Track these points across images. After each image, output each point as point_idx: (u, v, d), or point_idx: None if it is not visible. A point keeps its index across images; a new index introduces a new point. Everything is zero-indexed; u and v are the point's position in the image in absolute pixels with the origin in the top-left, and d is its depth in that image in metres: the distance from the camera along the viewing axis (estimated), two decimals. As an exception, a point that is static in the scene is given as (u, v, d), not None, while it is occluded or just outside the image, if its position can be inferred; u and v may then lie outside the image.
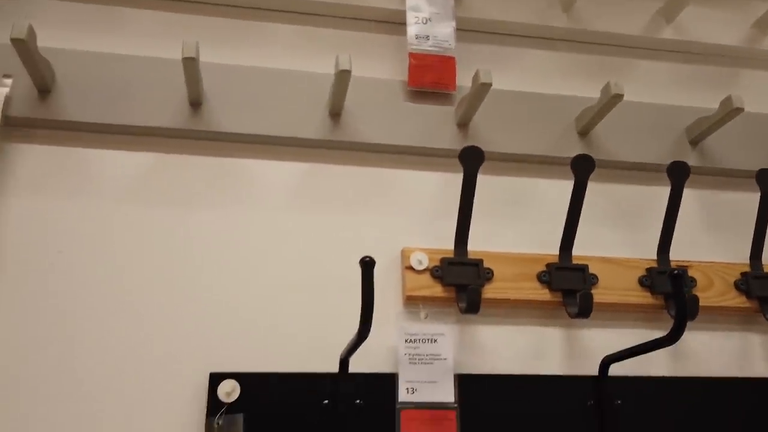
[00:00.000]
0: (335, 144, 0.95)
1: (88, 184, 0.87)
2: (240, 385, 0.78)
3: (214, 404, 0.77)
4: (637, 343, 0.92)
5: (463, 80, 0.98)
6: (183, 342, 0.81)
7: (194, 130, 0.90)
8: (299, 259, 0.89)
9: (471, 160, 0.85)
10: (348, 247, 0.90)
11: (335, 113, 0.94)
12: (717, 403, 0.90)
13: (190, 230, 0.87)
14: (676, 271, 0.72)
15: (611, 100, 0.93)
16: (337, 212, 0.93)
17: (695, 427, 0.88)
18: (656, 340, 0.78)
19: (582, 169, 0.89)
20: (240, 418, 0.73)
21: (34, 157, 0.87)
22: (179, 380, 0.79)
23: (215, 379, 0.78)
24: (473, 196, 0.86)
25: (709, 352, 0.95)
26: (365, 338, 0.69)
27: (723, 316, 0.97)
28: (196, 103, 0.90)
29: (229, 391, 0.77)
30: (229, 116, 0.91)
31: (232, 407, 0.76)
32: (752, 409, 0.91)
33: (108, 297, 0.81)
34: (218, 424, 0.73)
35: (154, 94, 0.90)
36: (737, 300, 0.96)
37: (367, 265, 0.65)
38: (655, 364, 0.92)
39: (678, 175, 0.93)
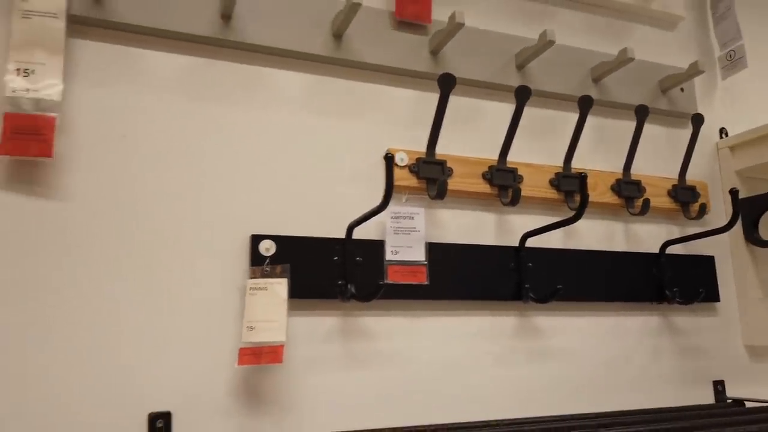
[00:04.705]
0: (336, 60, 1.17)
1: (138, 77, 1.04)
2: (275, 244, 1.04)
3: (256, 257, 1.03)
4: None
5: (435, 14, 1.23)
6: (228, 210, 1.05)
7: (224, 39, 1.08)
8: (308, 154, 1.13)
9: (446, 84, 1.13)
10: (345, 146, 1.16)
11: (338, 35, 1.16)
12: (594, 268, 1.31)
13: (223, 125, 1.08)
14: (582, 174, 1.07)
15: (546, 44, 1.24)
16: (336, 118, 1.17)
17: (580, 284, 1.28)
18: (563, 220, 1.14)
19: (522, 95, 1.20)
20: (287, 266, 1.00)
21: (91, 52, 1.01)
22: (227, 240, 1.03)
23: (256, 239, 1.03)
24: (445, 111, 1.15)
25: (590, 233, 1.35)
26: (379, 213, 0.98)
27: (599, 210, 1.37)
28: (226, 16, 1.08)
29: (268, 247, 1.03)
30: (254, 29, 1.10)
31: (271, 260, 1.03)
32: (614, 272, 1.33)
33: (166, 173, 1.02)
34: (266, 269, 0.99)
35: (191, 3, 1.06)
36: (611, 198, 1.36)
37: (389, 159, 0.92)
38: (554, 240, 1.30)
39: (584, 105, 1.28)
